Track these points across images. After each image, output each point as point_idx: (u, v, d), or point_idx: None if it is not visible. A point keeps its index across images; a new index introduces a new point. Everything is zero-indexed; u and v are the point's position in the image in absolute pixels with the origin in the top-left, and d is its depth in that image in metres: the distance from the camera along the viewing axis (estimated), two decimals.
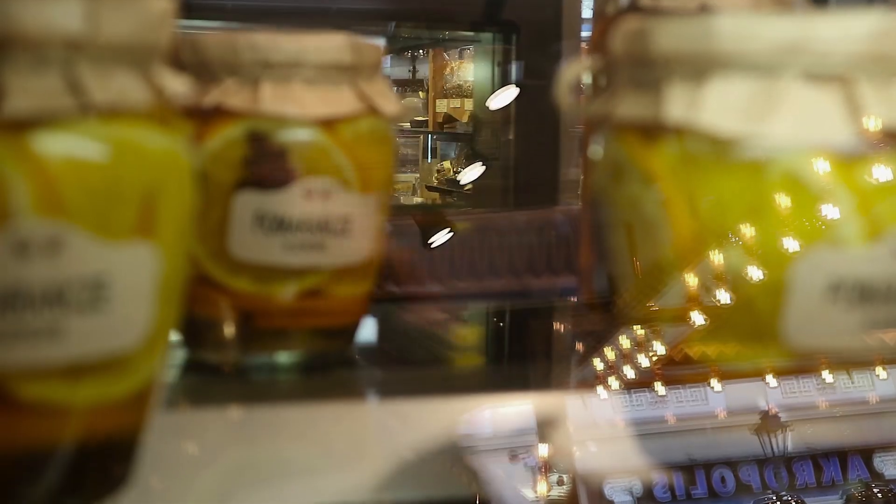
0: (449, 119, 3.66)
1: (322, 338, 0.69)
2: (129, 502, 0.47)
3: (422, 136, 3.96)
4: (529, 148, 1.84)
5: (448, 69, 3.94)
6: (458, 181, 2.65)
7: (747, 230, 0.44)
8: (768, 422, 0.45)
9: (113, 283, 0.40)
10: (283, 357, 0.68)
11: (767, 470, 0.45)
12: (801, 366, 0.45)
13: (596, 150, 0.50)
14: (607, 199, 0.48)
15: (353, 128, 0.66)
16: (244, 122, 0.63)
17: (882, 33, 0.43)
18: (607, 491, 0.45)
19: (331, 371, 0.70)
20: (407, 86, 4.14)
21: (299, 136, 0.64)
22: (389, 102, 0.67)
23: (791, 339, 0.44)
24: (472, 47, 2.58)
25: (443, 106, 3.86)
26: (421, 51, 4.03)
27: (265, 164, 0.63)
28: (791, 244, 0.43)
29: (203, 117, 0.64)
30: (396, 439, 0.61)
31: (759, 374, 0.45)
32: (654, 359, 0.47)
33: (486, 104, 2.03)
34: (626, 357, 0.49)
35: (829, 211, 0.43)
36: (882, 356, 0.45)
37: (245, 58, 0.63)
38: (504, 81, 1.96)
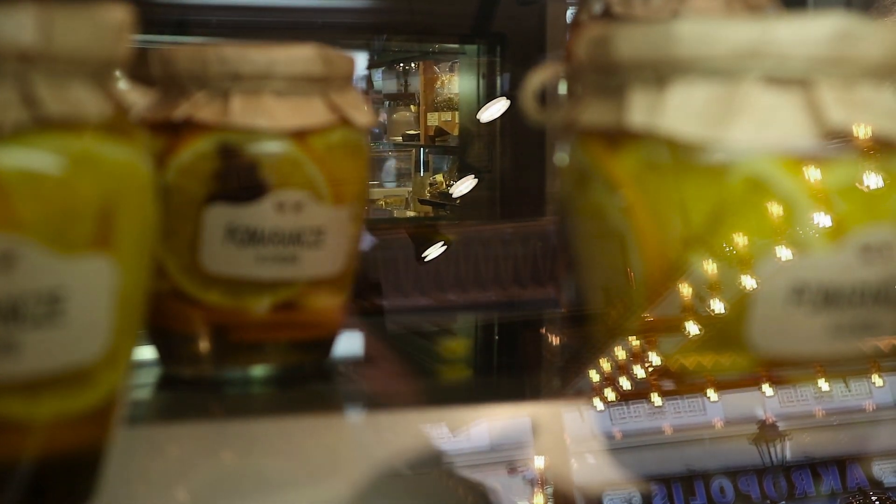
0: (440, 132, 3.66)
1: (298, 350, 0.69)
2: None
3: (414, 150, 3.97)
4: (517, 160, 1.84)
5: (439, 82, 3.95)
6: (451, 194, 2.66)
7: (710, 235, 0.44)
8: (766, 431, 0.45)
9: (69, 297, 0.40)
10: (259, 370, 0.68)
11: (766, 480, 0.44)
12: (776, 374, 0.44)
13: (562, 157, 0.49)
14: (573, 207, 0.48)
15: (324, 139, 0.65)
16: (214, 135, 0.63)
17: (841, 36, 0.43)
18: (606, 502, 0.45)
19: (307, 384, 0.69)
20: (398, 99, 4.14)
21: (270, 148, 0.64)
22: (361, 113, 0.67)
23: (757, 345, 0.44)
24: (458, 59, 2.58)
25: (434, 119, 3.87)
26: (412, 64, 4.04)
27: (236, 177, 0.63)
28: (754, 248, 0.43)
29: (174, 131, 0.64)
30: (374, 452, 0.60)
31: (747, 384, 0.45)
32: (646, 370, 0.47)
33: (477, 117, 2.04)
34: (615, 369, 0.49)
35: (792, 214, 0.43)
36: (850, 362, 0.45)
37: (214, 71, 0.63)
38: (489, 93, 1.96)
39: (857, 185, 0.44)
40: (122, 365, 0.45)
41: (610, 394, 0.50)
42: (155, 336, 0.69)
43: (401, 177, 4.02)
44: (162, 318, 0.67)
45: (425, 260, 1.06)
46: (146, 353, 0.70)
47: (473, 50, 2.00)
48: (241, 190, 0.63)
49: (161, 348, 0.69)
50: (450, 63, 3.70)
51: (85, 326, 0.41)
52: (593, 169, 0.47)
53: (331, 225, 0.66)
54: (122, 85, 0.45)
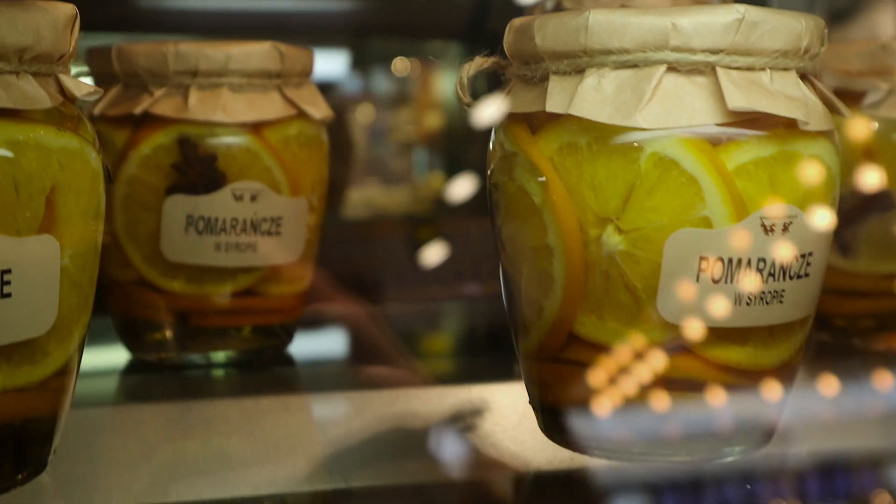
0: (437, 132, 3.67)
1: (259, 336, 0.72)
2: (73, 495, 0.50)
3: (411, 150, 3.98)
4: None
5: (435, 82, 3.96)
6: (448, 193, 2.66)
7: (622, 214, 0.46)
8: None
9: (17, 276, 0.43)
10: (221, 355, 0.71)
11: None
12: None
13: (492, 145, 0.52)
14: (500, 189, 0.51)
15: (281, 132, 0.68)
16: (174, 128, 0.66)
17: (742, 26, 0.46)
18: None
19: (268, 368, 0.72)
20: (396, 100, 4.15)
21: (227, 141, 0.66)
22: (318, 108, 0.70)
23: (666, 317, 0.47)
24: (456, 59, 2.59)
25: (432, 119, 3.88)
26: (409, 64, 4.04)
27: (195, 169, 0.66)
28: (662, 226, 0.46)
29: (135, 125, 0.66)
30: (332, 431, 0.63)
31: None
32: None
33: (473, 116, 2.05)
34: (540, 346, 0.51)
35: (697, 193, 0.46)
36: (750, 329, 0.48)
37: (173, 67, 0.65)
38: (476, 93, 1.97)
39: (757, 164, 0.47)
40: (72, 341, 0.47)
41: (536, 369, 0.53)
42: (121, 323, 0.71)
43: (400, 177, 4.03)
44: (127, 306, 0.70)
45: (423, 257, 1.09)
46: (113, 338, 0.73)
47: (468, 49, 2.02)
48: (200, 181, 0.66)
49: (127, 335, 0.72)
50: (446, 62, 3.71)
51: (33, 304, 0.44)
52: (518, 152, 0.49)
53: (288, 214, 0.68)
54: (72, 77, 0.47)
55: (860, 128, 0.68)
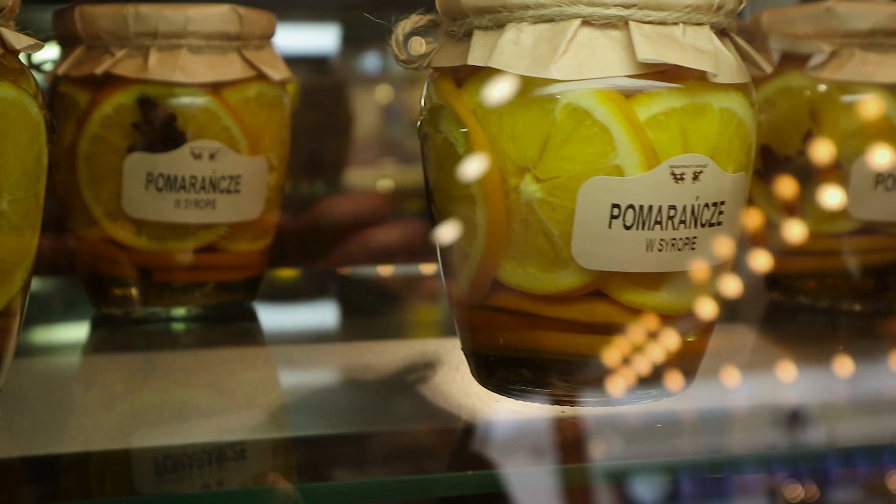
0: None
1: (222, 291, 0.74)
2: (41, 442, 0.51)
3: None
4: None
5: None
6: None
7: (539, 163, 0.48)
8: None
9: None
10: (184, 310, 0.73)
11: None
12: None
13: (423, 99, 0.54)
14: (431, 143, 0.53)
15: (240, 93, 0.70)
16: (134, 88, 0.68)
17: None
18: None
19: (230, 322, 0.74)
20: (412, 79, 4.15)
21: (186, 101, 0.68)
22: (277, 70, 0.72)
23: (581, 262, 0.48)
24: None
25: None
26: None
27: (154, 128, 0.68)
28: (576, 174, 0.48)
29: (97, 85, 0.69)
30: (288, 381, 0.65)
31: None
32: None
33: None
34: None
35: (610, 142, 0.48)
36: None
37: (133, 28, 0.68)
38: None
39: (669, 115, 0.48)
40: (13, 284, 0.50)
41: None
42: (87, 279, 0.74)
43: (417, 157, 4.03)
44: (93, 262, 0.72)
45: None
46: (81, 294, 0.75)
47: None
48: (159, 139, 0.68)
49: (93, 290, 0.74)
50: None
51: None
52: (444, 105, 0.51)
53: (247, 173, 0.70)
54: (13, 31, 0.49)
55: (804, 89, 0.70)
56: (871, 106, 0.68)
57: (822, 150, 0.70)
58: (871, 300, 0.72)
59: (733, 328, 0.71)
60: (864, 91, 0.69)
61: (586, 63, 0.48)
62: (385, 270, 0.99)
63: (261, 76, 0.71)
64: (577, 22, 0.48)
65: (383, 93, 1.77)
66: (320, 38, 1.56)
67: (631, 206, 0.48)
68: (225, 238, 0.72)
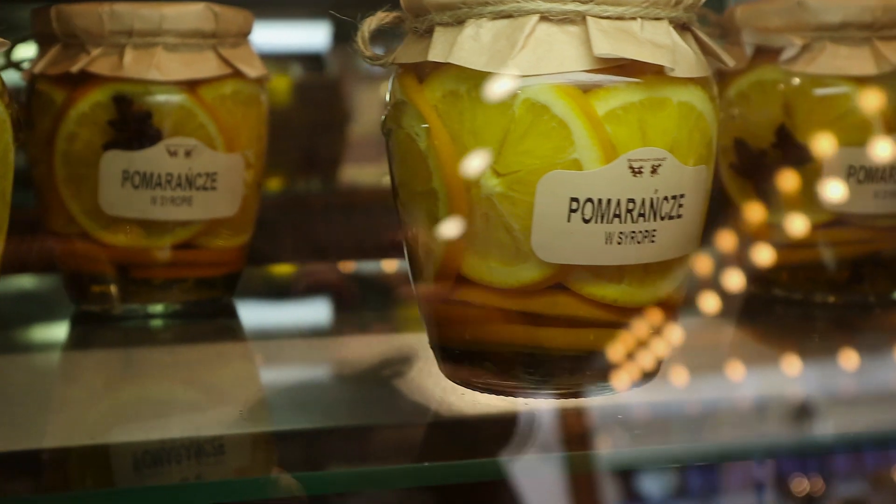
0: None
1: (200, 288, 0.74)
2: (21, 439, 0.52)
3: None
4: None
5: None
6: None
7: (499, 157, 0.48)
8: None
9: None
10: (162, 307, 0.73)
11: None
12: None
13: (388, 95, 0.54)
14: (394, 138, 0.53)
15: (215, 90, 0.71)
16: (110, 86, 0.68)
17: None
18: None
19: (209, 319, 0.74)
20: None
21: (161, 98, 0.69)
22: (253, 67, 0.72)
23: (541, 255, 0.49)
24: None
25: None
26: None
27: (130, 126, 0.68)
28: (535, 168, 0.48)
29: (73, 83, 0.69)
30: (266, 377, 0.66)
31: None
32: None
33: None
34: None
35: (568, 136, 0.48)
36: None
37: (108, 27, 0.68)
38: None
39: (626, 109, 0.49)
40: None
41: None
42: (67, 276, 0.74)
43: None
44: (72, 260, 0.73)
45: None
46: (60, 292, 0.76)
47: None
48: (135, 137, 0.68)
49: (72, 287, 0.74)
50: None
51: None
52: (406, 100, 0.52)
53: (224, 170, 0.71)
54: None
55: (777, 82, 0.70)
56: (842, 99, 0.69)
57: (796, 143, 0.70)
58: (844, 292, 0.72)
59: (707, 320, 0.72)
60: (836, 84, 0.69)
61: (544, 58, 0.48)
62: (364, 266, 1.00)
63: (237, 74, 0.72)
64: (536, 18, 0.48)
65: (378, 89, 1.77)
66: (314, 35, 1.56)
67: (590, 200, 0.48)
68: (202, 235, 0.72)
